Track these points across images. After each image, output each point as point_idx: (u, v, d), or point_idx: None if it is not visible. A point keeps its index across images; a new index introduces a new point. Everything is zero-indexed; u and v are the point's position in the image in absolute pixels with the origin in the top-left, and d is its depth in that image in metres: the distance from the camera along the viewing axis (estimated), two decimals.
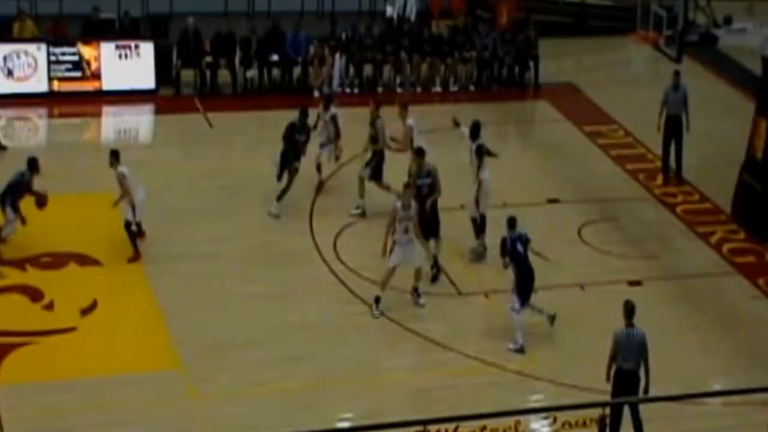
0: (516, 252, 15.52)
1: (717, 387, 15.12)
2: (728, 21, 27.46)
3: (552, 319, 15.88)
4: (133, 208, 17.12)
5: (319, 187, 19.28)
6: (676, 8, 27.06)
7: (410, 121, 18.76)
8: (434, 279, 16.98)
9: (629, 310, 13.35)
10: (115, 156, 17.08)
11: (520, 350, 15.47)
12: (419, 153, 17.08)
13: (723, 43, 26.66)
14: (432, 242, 16.91)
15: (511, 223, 15.80)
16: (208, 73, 23.46)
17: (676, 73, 20.59)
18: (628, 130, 22.65)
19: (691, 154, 21.37)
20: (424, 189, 16.74)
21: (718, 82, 25.27)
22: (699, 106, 22.88)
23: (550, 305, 16.64)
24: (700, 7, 27.68)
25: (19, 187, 17.03)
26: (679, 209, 19.79)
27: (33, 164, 17.15)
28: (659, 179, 20.75)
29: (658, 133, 20.40)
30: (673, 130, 20.31)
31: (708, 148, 21.90)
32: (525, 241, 15.70)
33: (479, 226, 17.56)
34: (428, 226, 16.67)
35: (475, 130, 17.55)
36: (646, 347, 13.30)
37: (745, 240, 18.80)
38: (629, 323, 13.31)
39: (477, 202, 17.44)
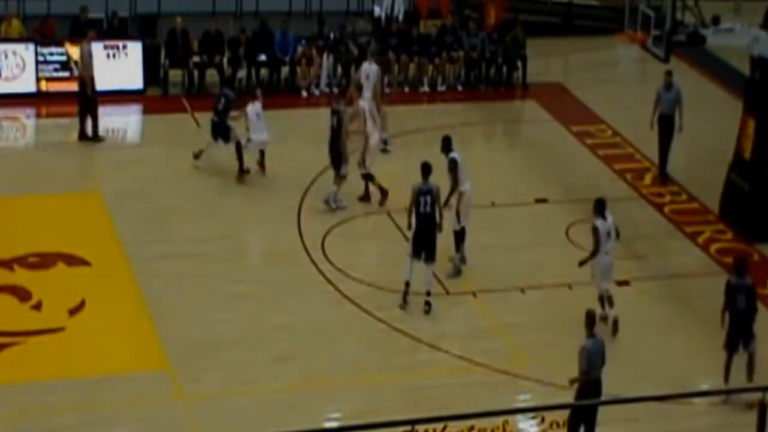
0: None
1: (704, 387, 15.16)
2: (716, 21, 27.53)
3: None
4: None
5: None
6: (664, 8, 27.09)
7: (362, 103, 18.65)
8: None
9: (591, 319, 13.22)
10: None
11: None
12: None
13: (711, 43, 26.71)
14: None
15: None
16: (195, 73, 23.44)
17: (668, 73, 20.57)
18: (616, 130, 22.69)
19: (678, 154, 21.40)
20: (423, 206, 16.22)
21: (706, 81, 25.32)
22: (687, 105, 22.93)
23: (537, 305, 16.69)
24: (687, 7, 27.74)
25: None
26: (666, 209, 19.83)
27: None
28: (647, 179, 20.79)
29: (651, 130, 20.41)
30: (665, 129, 20.33)
31: (696, 148, 21.93)
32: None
33: (460, 238, 17.10)
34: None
35: (446, 144, 16.93)
36: (605, 353, 13.25)
37: (732, 240, 18.84)
38: (592, 333, 13.21)
39: (458, 214, 16.98)
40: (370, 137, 18.75)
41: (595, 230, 15.80)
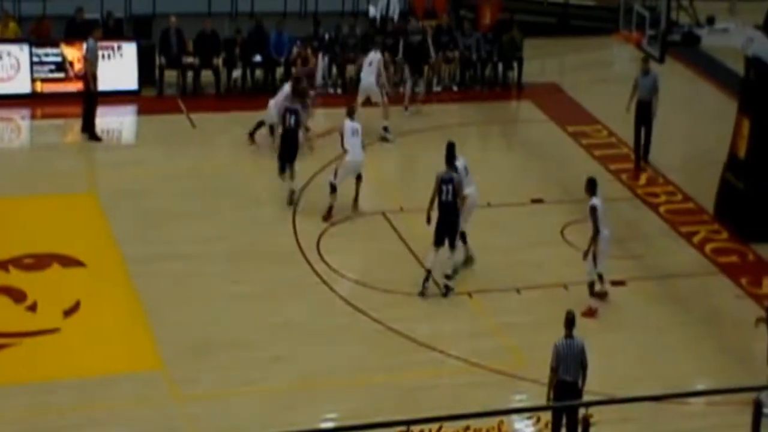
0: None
1: (700, 387, 15.16)
2: (711, 21, 27.53)
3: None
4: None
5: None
6: (659, 8, 27.09)
7: (346, 122, 18.63)
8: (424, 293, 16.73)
9: (569, 320, 13.20)
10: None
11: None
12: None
13: (706, 43, 26.67)
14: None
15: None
16: (191, 74, 23.41)
17: (645, 60, 21.03)
18: (612, 130, 22.71)
19: (674, 154, 21.49)
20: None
21: (701, 81, 25.35)
22: (682, 105, 23.04)
23: (533, 305, 16.71)
24: (682, 7, 27.76)
25: None
26: (662, 209, 19.84)
27: None
28: (642, 179, 20.83)
29: (627, 113, 20.75)
30: (642, 115, 20.69)
31: (691, 148, 21.99)
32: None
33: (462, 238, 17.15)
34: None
35: (450, 152, 16.83)
36: (584, 357, 13.16)
37: (727, 240, 18.85)
38: (569, 334, 13.19)
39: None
40: (347, 154, 18.52)
41: (593, 209, 16.13)
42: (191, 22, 23.59)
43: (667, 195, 20.32)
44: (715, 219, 19.43)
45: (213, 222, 18.57)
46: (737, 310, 16.90)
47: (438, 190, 16.44)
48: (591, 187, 16.30)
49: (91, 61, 21.14)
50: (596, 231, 16.15)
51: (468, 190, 17.02)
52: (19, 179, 19.72)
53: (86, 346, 15.28)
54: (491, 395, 14.49)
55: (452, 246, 16.54)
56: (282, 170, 18.88)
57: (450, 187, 16.40)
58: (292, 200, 18.87)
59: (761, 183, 18.79)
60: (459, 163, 16.93)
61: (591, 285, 16.39)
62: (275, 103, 20.15)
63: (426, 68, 23.87)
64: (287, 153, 18.82)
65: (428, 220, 16.56)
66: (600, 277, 16.55)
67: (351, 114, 18.78)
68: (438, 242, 16.49)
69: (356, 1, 25.66)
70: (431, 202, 16.55)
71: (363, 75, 21.86)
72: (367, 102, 21.70)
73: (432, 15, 25.73)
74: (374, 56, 21.82)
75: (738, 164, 19.16)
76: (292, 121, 18.79)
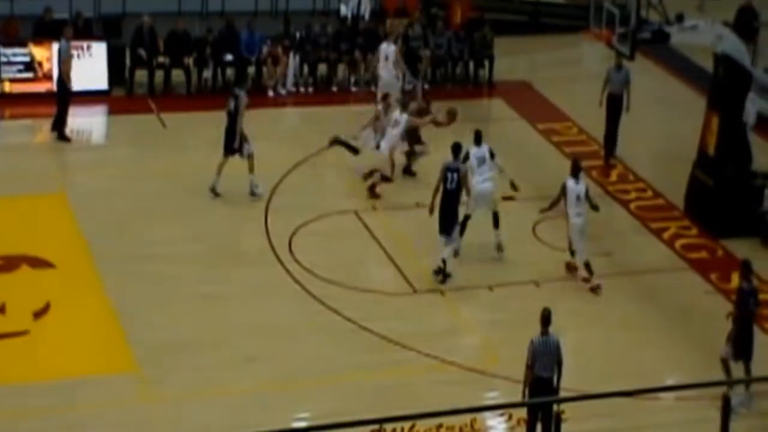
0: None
1: (671, 382, 15.23)
2: (680, 18, 27.66)
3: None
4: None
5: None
6: (629, 6, 27.22)
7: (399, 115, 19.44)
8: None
9: (545, 317, 13.25)
10: None
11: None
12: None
13: (675, 41, 26.83)
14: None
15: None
16: (161, 73, 23.31)
17: (618, 54, 21.22)
18: (582, 127, 22.78)
19: (644, 151, 21.58)
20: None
21: (671, 78, 25.46)
22: (652, 102, 23.12)
23: (505, 302, 16.74)
24: (652, 5, 27.87)
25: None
26: (632, 206, 19.92)
27: None
28: (613, 175, 20.91)
29: (600, 108, 20.96)
30: (613, 109, 20.91)
31: (661, 145, 22.07)
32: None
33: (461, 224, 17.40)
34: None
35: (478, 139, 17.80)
36: (560, 354, 13.25)
37: (697, 236, 18.95)
38: (545, 331, 13.25)
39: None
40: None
41: (563, 187, 16.80)
42: (162, 22, 23.50)
43: (638, 191, 20.40)
44: (685, 215, 19.53)
45: (184, 222, 18.52)
46: (707, 305, 16.98)
47: (443, 178, 16.72)
48: (572, 168, 16.95)
49: (65, 61, 21.03)
50: (556, 201, 16.88)
51: (475, 179, 17.23)
52: None
53: (57, 348, 15.21)
54: (465, 393, 14.51)
55: (448, 234, 16.76)
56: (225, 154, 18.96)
57: (455, 176, 16.70)
58: (215, 193, 19.02)
59: (730, 179, 18.90)
60: (476, 150, 17.47)
61: (586, 265, 16.92)
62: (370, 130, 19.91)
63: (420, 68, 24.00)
64: (226, 139, 18.91)
65: (431, 211, 16.86)
66: (587, 265, 16.99)
67: (404, 106, 19.65)
68: (442, 230, 16.77)
69: None
70: (435, 193, 16.83)
71: (383, 71, 22.03)
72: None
73: (403, 13, 25.72)
74: (388, 48, 22.11)
75: (707, 161, 19.26)
76: (232, 105, 18.87)
